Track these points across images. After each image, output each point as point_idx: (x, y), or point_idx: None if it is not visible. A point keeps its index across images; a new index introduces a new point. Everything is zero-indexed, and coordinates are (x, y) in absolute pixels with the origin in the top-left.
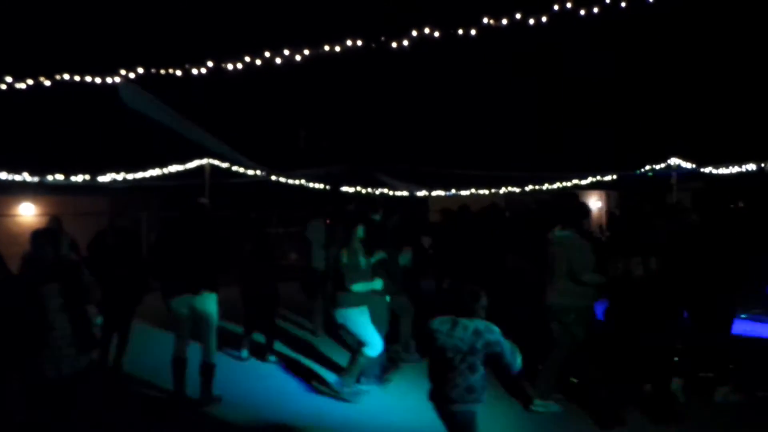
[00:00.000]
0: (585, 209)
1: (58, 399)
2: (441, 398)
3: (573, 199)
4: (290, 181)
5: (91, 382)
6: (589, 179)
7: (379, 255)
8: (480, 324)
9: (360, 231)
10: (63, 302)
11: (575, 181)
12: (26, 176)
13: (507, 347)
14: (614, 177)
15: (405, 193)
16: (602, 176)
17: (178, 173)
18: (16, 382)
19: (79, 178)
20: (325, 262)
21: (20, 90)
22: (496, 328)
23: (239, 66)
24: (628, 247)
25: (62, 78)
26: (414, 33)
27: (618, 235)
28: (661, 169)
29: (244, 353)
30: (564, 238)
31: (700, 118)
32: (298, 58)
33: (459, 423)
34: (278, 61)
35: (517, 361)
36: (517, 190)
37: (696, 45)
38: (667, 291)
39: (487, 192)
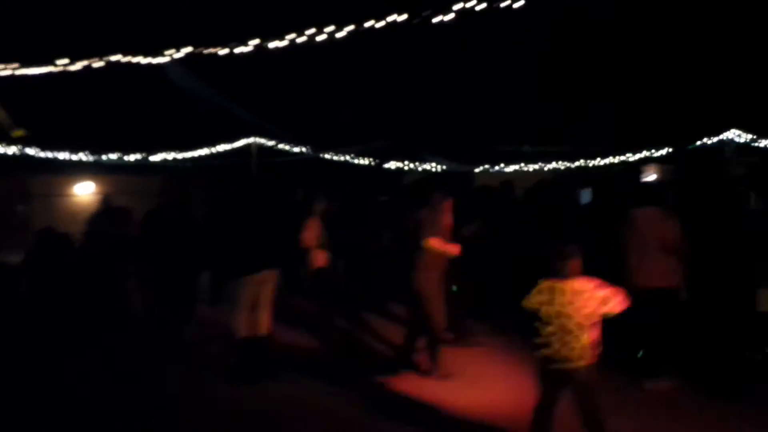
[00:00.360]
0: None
1: (151, 374)
2: (558, 359)
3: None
4: (335, 158)
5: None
6: (644, 153)
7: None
8: (576, 283)
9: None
10: (141, 281)
11: (628, 156)
12: (84, 156)
13: (605, 295)
14: (669, 150)
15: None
16: (656, 150)
17: (226, 152)
18: (112, 359)
19: (132, 158)
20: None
21: (75, 72)
22: (590, 285)
23: (283, 44)
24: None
25: (114, 60)
26: (456, 6)
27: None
28: (716, 142)
29: None
30: (653, 215)
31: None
32: (341, 34)
33: (583, 379)
34: (322, 38)
35: (618, 306)
36: (562, 166)
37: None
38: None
39: (532, 168)
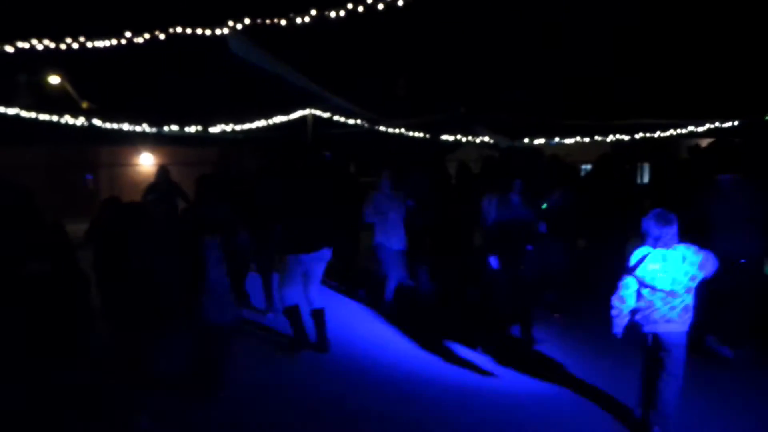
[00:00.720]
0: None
1: (217, 344)
2: (662, 322)
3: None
4: (390, 130)
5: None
6: (707, 126)
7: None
8: (682, 249)
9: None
10: (222, 255)
11: (691, 128)
12: (146, 127)
13: (703, 261)
14: (735, 123)
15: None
16: (721, 123)
17: (282, 124)
18: (182, 327)
19: (192, 129)
20: None
21: (138, 44)
22: (692, 250)
23: (342, 13)
24: None
25: (175, 31)
26: None
27: None
28: None
29: None
30: (740, 183)
31: None
32: (400, 3)
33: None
34: (380, 6)
35: (712, 272)
36: (626, 137)
37: None
38: None
39: (588, 140)
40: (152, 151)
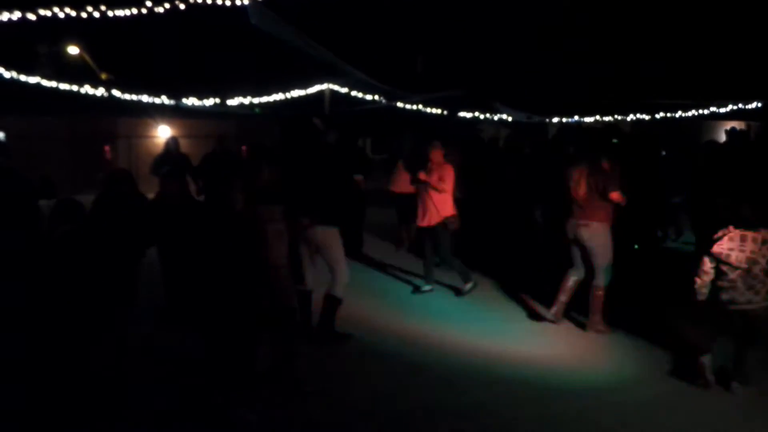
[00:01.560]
0: None
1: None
2: (741, 301)
3: None
4: (408, 106)
5: None
6: (729, 107)
7: None
8: (764, 232)
9: None
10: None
11: (713, 109)
12: (164, 99)
13: None
14: (758, 105)
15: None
16: (744, 104)
17: (300, 98)
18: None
19: (210, 102)
20: None
21: (159, 14)
22: None
23: None
24: None
25: (196, 1)
26: None
27: None
28: None
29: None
30: None
31: None
32: None
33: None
34: None
35: None
36: (646, 117)
37: None
38: None
39: (611, 118)
40: (169, 123)
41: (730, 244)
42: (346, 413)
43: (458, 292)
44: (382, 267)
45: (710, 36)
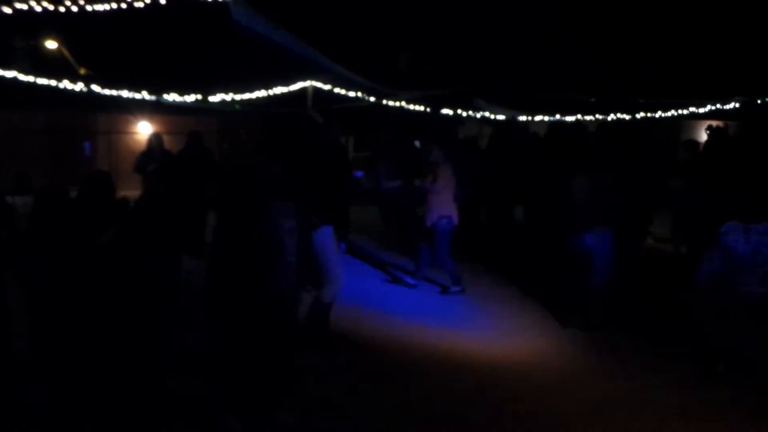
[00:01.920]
0: None
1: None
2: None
3: None
4: (390, 103)
5: None
6: (708, 107)
7: None
8: None
9: None
10: (295, 225)
11: (692, 109)
12: (145, 95)
13: None
14: (736, 105)
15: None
16: (723, 104)
17: (282, 95)
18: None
19: (191, 98)
20: None
21: (138, 9)
22: None
23: None
24: None
25: None
26: None
27: None
28: None
29: None
30: None
31: None
32: None
33: None
34: None
35: None
36: (627, 117)
37: None
38: None
39: (592, 118)
40: (150, 119)
41: (734, 236)
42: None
43: (444, 290)
44: (370, 263)
45: (689, 36)
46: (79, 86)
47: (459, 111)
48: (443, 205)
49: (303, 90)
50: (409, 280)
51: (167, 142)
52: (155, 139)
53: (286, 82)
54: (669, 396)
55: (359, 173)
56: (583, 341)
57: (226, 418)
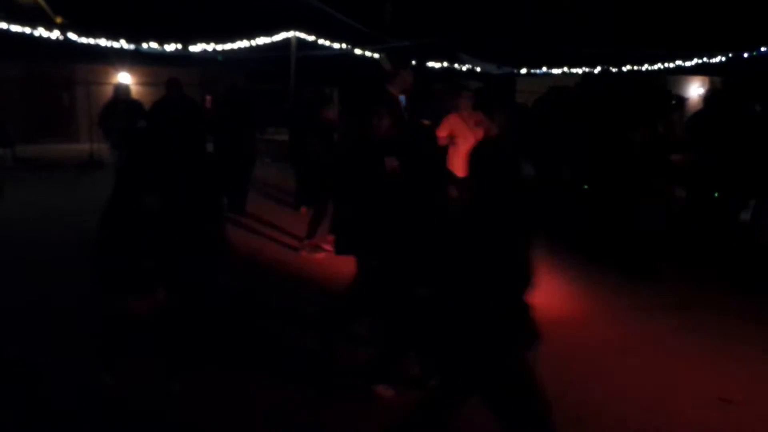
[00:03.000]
0: None
1: None
2: None
3: None
4: (375, 55)
5: None
6: (695, 61)
7: None
8: None
9: None
10: None
11: (678, 62)
12: (123, 44)
13: None
14: (722, 59)
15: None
16: (709, 58)
17: (265, 45)
18: None
19: (171, 47)
20: None
21: None
22: None
23: None
24: None
25: None
26: None
27: None
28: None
29: None
30: None
31: None
32: None
33: None
34: None
35: None
36: (613, 69)
37: None
38: None
39: (580, 71)
40: (130, 70)
41: None
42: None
43: None
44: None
45: None
46: (56, 34)
47: (444, 63)
48: None
49: (287, 40)
50: None
51: (147, 93)
52: (122, 89)
53: (269, 32)
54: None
55: None
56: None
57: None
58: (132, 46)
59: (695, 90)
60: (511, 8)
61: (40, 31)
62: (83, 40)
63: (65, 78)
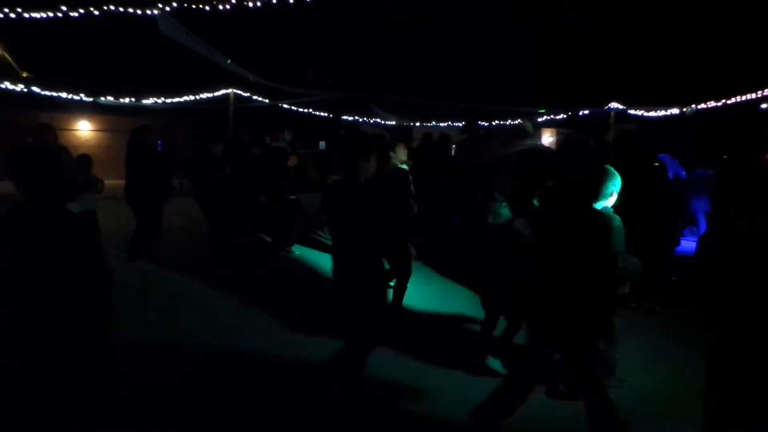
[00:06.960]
0: None
1: None
2: None
3: None
4: (300, 110)
5: None
6: (545, 117)
7: None
8: None
9: None
10: None
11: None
12: (83, 96)
13: None
14: (564, 116)
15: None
16: (555, 115)
17: (208, 99)
18: None
19: (126, 100)
20: None
21: (74, 18)
22: None
23: (258, 3)
24: None
25: (109, 8)
26: None
27: None
28: (604, 110)
29: None
30: None
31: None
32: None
33: None
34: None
35: None
36: (485, 124)
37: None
38: None
39: (460, 124)
40: (89, 118)
41: None
42: None
43: None
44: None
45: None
46: (20, 87)
47: (356, 117)
48: None
49: (226, 95)
50: None
51: (104, 138)
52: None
53: (211, 89)
54: None
55: None
56: None
57: None
58: (90, 99)
59: (546, 139)
60: (411, 72)
61: (6, 85)
62: (46, 92)
63: (29, 125)
